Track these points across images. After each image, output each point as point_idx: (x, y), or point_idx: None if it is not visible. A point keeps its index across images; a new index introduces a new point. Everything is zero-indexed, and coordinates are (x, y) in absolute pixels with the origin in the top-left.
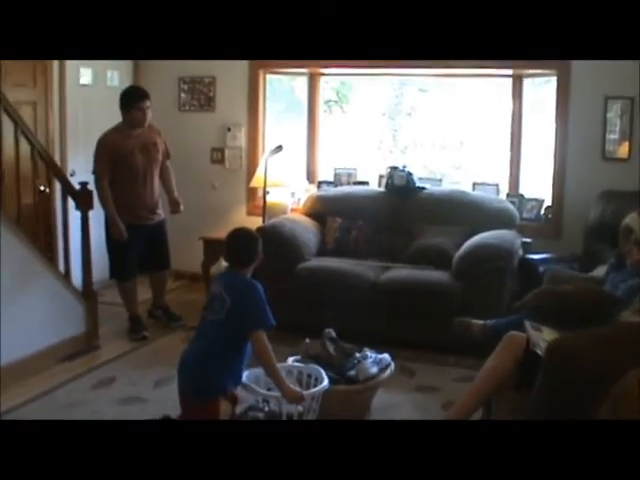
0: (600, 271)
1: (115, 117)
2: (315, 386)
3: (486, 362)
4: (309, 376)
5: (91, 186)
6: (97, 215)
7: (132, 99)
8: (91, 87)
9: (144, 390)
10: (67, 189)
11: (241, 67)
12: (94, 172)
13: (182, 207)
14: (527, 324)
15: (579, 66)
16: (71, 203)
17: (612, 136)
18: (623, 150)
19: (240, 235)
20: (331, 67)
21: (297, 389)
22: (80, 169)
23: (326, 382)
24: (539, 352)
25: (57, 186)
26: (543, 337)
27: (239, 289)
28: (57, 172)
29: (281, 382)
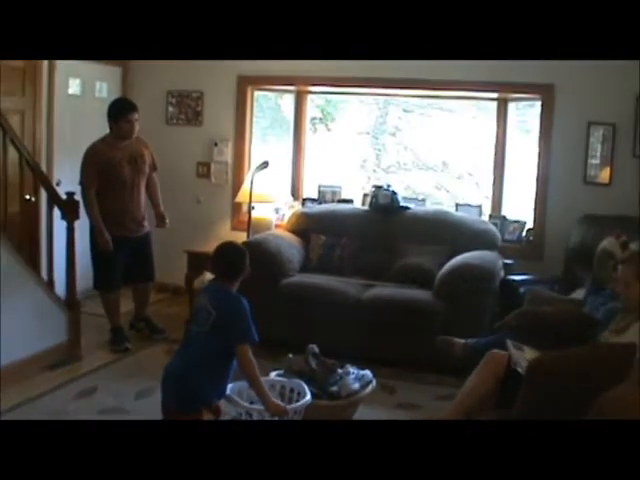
0: (580, 293)
1: (103, 128)
2: (298, 400)
3: (468, 379)
4: (292, 390)
5: (77, 196)
6: (82, 225)
7: (121, 111)
8: (79, 97)
9: (125, 401)
10: (53, 198)
11: (229, 82)
12: (81, 182)
13: (168, 221)
14: (509, 343)
15: (563, 91)
16: (57, 213)
17: (594, 161)
18: (604, 175)
19: (228, 249)
20: (318, 85)
21: (280, 403)
22: (66, 179)
23: (309, 396)
24: (520, 370)
25: (43, 195)
26: (524, 356)
27: (224, 303)
28: (44, 181)
29: (265, 396)
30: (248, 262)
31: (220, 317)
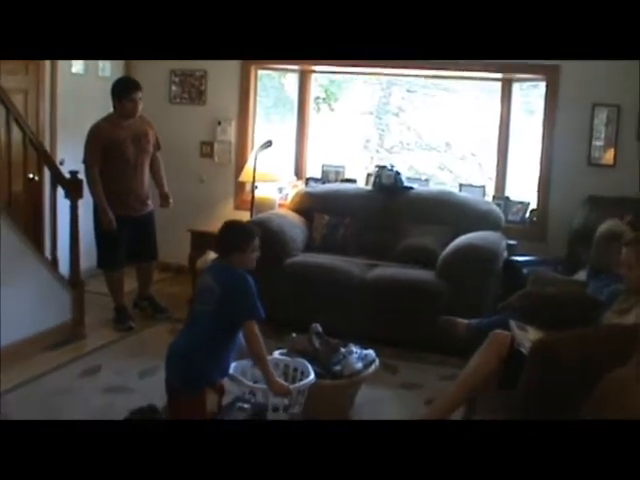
0: (583, 275)
1: (106, 107)
2: (301, 380)
3: (471, 359)
4: (295, 370)
5: (81, 175)
6: (86, 204)
7: (124, 89)
8: (83, 77)
9: (129, 380)
10: (57, 177)
11: (232, 62)
12: (84, 161)
13: (172, 201)
14: (512, 323)
15: (567, 72)
16: (60, 192)
17: (598, 143)
18: (609, 157)
19: (232, 227)
20: (322, 64)
21: (284, 383)
22: (69, 158)
23: (312, 376)
24: (524, 351)
25: (47, 174)
26: (528, 337)
27: (230, 280)
28: (48, 160)
29: (269, 375)
30: (255, 241)
31: (226, 295)
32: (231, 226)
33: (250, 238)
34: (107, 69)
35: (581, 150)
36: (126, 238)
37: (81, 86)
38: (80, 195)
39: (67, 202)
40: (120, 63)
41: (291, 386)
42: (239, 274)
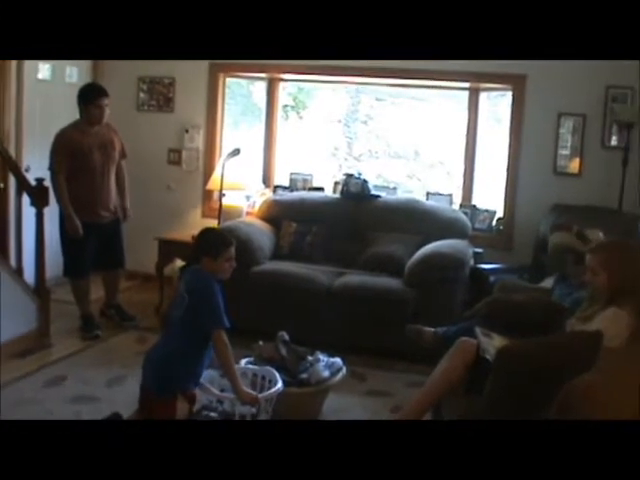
0: (548, 282)
1: (73, 114)
2: (269, 388)
3: (437, 366)
4: (263, 378)
5: (47, 182)
6: (52, 212)
7: (90, 96)
8: (49, 83)
9: (96, 389)
10: (23, 185)
11: (201, 69)
12: (50, 168)
13: (130, 214)
14: (477, 330)
15: (534, 82)
16: (26, 199)
17: (564, 151)
18: (574, 165)
19: (202, 232)
20: (290, 73)
21: (252, 392)
22: (35, 165)
23: (280, 384)
24: (489, 358)
25: (12, 182)
26: (493, 343)
27: (196, 287)
28: (13, 167)
29: (237, 384)
30: (228, 251)
31: (192, 301)
32: (206, 232)
33: (222, 246)
34: (74, 75)
35: (547, 159)
36: (92, 246)
37: (48, 92)
38: (46, 203)
39: (33, 210)
40: (87, 69)
41: (259, 395)
42: (206, 282)
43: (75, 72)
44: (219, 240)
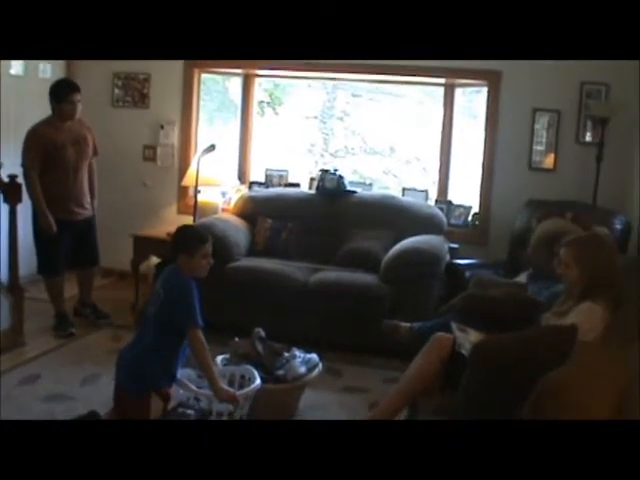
0: (524, 277)
1: (46, 110)
2: (247, 385)
3: (413, 361)
4: (242, 377)
5: (20, 179)
6: (25, 209)
7: (62, 91)
8: (22, 78)
9: (70, 387)
10: None
11: (176, 65)
12: (23, 164)
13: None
14: (453, 325)
15: (509, 78)
16: None
17: (539, 147)
18: (549, 161)
19: (179, 229)
20: (266, 69)
21: (229, 389)
22: (9, 161)
23: (258, 382)
24: (464, 353)
25: None
26: (469, 338)
27: (172, 285)
28: None
29: (215, 381)
30: (204, 247)
31: (167, 298)
32: (183, 229)
33: (199, 243)
34: (48, 71)
35: (522, 154)
36: (66, 243)
37: (21, 88)
38: (19, 199)
39: (6, 207)
40: (61, 65)
41: (237, 392)
42: (181, 279)
43: (49, 68)
44: (195, 237)
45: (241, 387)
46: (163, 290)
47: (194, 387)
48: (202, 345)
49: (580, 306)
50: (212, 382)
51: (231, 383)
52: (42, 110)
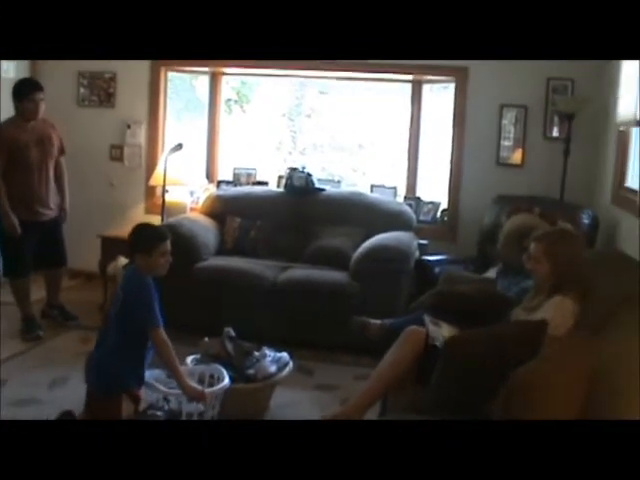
0: (493, 272)
1: (11, 109)
2: (217, 385)
3: (385, 355)
4: (212, 376)
5: None
6: None
7: (24, 90)
8: None
9: (39, 391)
10: None
11: (142, 64)
12: None
13: (66, 216)
14: (426, 319)
15: (476, 74)
16: None
17: (507, 143)
18: (517, 156)
19: (135, 228)
20: (233, 67)
21: (198, 387)
22: None
23: (227, 380)
24: (438, 345)
25: None
26: (442, 332)
27: (130, 285)
28: None
29: (181, 379)
30: (163, 245)
31: (125, 299)
32: (139, 228)
33: (156, 241)
34: (11, 70)
35: (490, 150)
36: (32, 244)
37: None
38: None
39: None
40: (25, 64)
41: (205, 390)
42: (139, 280)
43: (12, 67)
44: (152, 235)
45: (211, 386)
46: (122, 291)
47: (163, 387)
48: (165, 344)
49: (551, 300)
50: (179, 380)
51: (201, 382)
52: (6, 110)
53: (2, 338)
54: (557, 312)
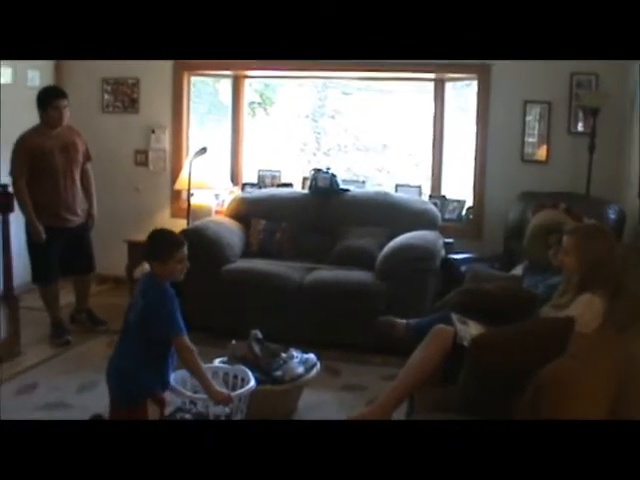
0: (519, 270)
1: (36, 117)
2: (242, 387)
3: (413, 354)
4: (235, 377)
5: (11, 188)
6: (18, 218)
7: (48, 97)
8: (11, 86)
9: (68, 395)
10: None
11: (165, 69)
12: (11, 173)
13: (94, 222)
14: (454, 317)
15: (499, 71)
16: None
17: (530, 139)
18: (541, 153)
19: (152, 234)
20: (255, 69)
21: (224, 390)
22: None
23: (253, 383)
24: (466, 344)
25: None
26: (469, 330)
27: (150, 294)
28: None
29: (207, 384)
30: (180, 252)
31: (145, 308)
32: (155, 235)
33: (173, 248)
34: (36, 78)
35: (514, 147)
36: (59, 250)
37: (9, 96)
38: (10, 208)
39: None
40: (50, 72)
41: (231, 393)
42: (158, 289)
43: (37, 76)
44: (168, 242)
45: (234, 387)
46: (141, 298)
47: (188, 392)
48: (189, 351)
49: (580, 298)
50: (205, 385)
51: (225, 384)
52: (30, 118)
53: (32, 343)
54: (586, 310)
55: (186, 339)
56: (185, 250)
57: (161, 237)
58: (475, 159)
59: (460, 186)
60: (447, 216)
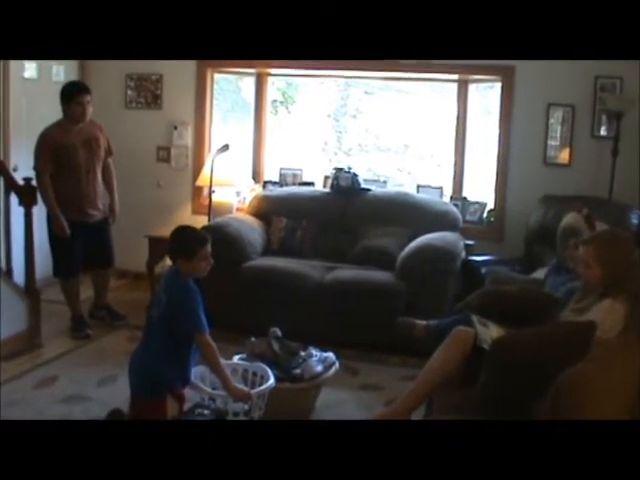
0: (540, 273)
1: (60, 112)
2: (261, 384)
3: (433, 355)
4: (255, 374)
5: (35, 182)
6: (41, 212)
7: (71, 93)
8: (36, 81)
9: (87, 389)
10: (10, 184)
11: (188, 65)
12: (35, 168)
13: (116, 217)
14: (474, 319)
15: (522, 73)
16: (14, 199)
17: (553, 142)
18: (564, 156)
19: (176, 232)
20: (278, 67)
21: (243, 387)
22: (23, 164)
23: (272, 380)
24: (485, 347)
25: (0, 181)
26: (490, 333)
27: (174, 291)
28: (0, 167)
29: (227, 381)
30: (204, 249)
31: (169, 304)
32: (179, 232)
33: (198, 245)
34: (61, 73)
35: (537, 149)
36: (81, 245)
37: (34, 91)
38: (34, 202)
39: (21, 209)
40: (74, 68)
41: (251, 391)
42: (183, 286)
43: (62, 71)
44: (193, 240)
45: (253, 384)
46: (165, 294)
47: (208, 389)
48: (211, 348)
49: (601, 303)
50: (225, 382)
51: (244, 380)
52: (55, 113)
53: (52, 336)
54: (607, 316)
55: (208, 336)
56: (209, 247)
57: (185, 234)
58: (497, 161)
59: (481, 188)
60: (468, 218)
